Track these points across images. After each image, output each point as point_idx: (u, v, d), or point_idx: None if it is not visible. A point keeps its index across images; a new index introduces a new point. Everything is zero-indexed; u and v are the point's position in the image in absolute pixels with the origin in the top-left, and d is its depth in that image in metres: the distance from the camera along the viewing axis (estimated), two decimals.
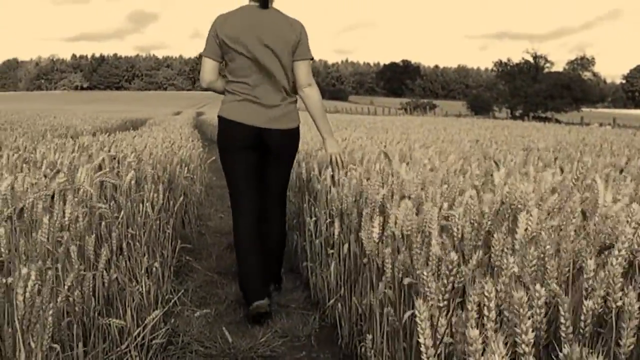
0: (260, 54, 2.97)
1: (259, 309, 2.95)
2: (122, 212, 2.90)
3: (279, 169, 3.21)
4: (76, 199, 2.22)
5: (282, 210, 3.32)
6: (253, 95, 3.03)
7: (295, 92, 3.14)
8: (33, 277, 1.65)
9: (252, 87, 3.03)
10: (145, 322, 2.33)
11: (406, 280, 1.87)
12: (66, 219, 2.16)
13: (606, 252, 1.52)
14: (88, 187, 2.56)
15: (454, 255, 1.47)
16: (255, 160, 3.11)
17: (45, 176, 2.53)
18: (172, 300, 2.99)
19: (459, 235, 1.75)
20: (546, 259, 1.44)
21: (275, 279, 3.39)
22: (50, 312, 1.66)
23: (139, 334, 2.32)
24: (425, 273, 1.55)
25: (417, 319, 1.34)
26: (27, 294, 1.63)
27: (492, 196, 1.83)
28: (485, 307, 1.21)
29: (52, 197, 2.26)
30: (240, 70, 3.04)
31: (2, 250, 1.85)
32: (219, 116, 3.12)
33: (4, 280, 1.77)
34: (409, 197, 2.27)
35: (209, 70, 3.09)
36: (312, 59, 3.09)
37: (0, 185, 1.99)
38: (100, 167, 3.27)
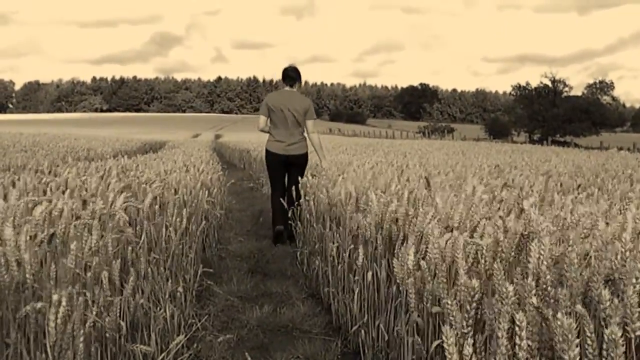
0: (286, 116, 5.66)
1: (278, 228, 5.67)
2: (144, 237, 2.92)
3: (296, 173, 5.69)
4: (110, 225, 2.24)
5: (297, 190, 5.52)
6: (280, 138, 5.73)
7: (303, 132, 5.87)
8: (64, 304, 1.67)
9: (280, 132, 5.73)
10: (170, 347, 2.34)
11: (435, 309, 1.87)
12: (95, 244, 2.18)
13: (610, 283, 1.52)
14: (122, 212, 2.59)
15: (475, 283, 1.47)
16: (283, 169, 5.85)
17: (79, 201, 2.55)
18: (196, 326, 3.00)
19: (485, 265, 1.74)
20: (556, 287, 1.43)
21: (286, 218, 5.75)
22: (81, 338, 1.68)
23: (163, 359, 2.33)
24: (449, 302, 1.55)
25: (445, 345, 1.35)
26: (59, 321, 1.65)
27: (516, 226, 1.83)
28: (517, 336, 1.21)
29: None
30: (276, 123, 5.72)
31: (27, 276, 1.87)
32: (265, 148, 5.91)
33: (34, 306, 1.79)
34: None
35: (262, 122, 5.83)
36: (315, 118, 5.84)
37: (35, 211, 2.02)
38: (122, 192, 3.30)
